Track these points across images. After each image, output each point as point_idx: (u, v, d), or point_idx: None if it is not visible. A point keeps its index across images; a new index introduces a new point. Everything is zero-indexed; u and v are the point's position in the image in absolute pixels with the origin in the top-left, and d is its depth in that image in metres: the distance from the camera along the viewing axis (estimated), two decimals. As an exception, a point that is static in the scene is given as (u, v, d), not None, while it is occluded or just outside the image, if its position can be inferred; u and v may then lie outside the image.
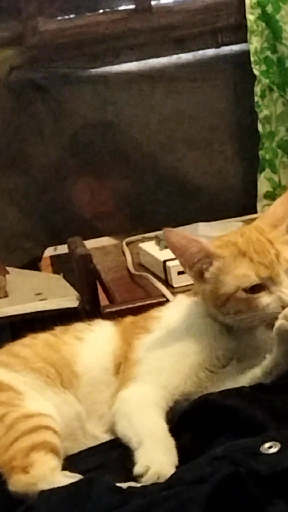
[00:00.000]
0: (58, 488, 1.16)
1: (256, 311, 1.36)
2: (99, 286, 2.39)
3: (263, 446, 1.09)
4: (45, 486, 1.18)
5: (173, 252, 1.43)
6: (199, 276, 1.42)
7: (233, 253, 1.40)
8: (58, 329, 1.55)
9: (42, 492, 1.15)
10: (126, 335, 1.49)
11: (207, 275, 1.41)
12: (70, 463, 1.30)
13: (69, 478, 1.21)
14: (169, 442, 1.27)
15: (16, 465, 1.22)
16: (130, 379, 1.41)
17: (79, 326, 1.55)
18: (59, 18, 2.87)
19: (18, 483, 1.21)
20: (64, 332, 1.54)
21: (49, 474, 1.21)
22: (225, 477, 1.00)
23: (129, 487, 1.14)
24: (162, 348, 1.42)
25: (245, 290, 1.37)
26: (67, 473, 1.24)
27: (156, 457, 1.23)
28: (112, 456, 1.30)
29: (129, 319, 1.56)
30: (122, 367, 1.45)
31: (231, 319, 1.40)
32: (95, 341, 1.50)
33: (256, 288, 1.37)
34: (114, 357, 1.46)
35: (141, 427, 1.31)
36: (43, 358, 1.46)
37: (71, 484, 1.15)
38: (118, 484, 1.15)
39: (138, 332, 1.48)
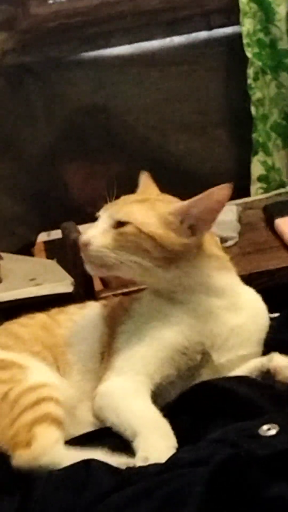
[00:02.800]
0: (56, 471, 1.15)
1: None
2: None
3: (262, 428, 1.09)
4: (47, 459, 1.19)
5: None
6: None
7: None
8: (53, 311, 1.54)
9: (40, 475, 1.15)
10: (111, 320, 1.48)
11: None
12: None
13: (71, 451, 1.21)
14: (164, 425, 1.26)
15: (19, 441, 1.22)
16: (108, 369, 1.39)
17: (71, 308, 1.54)
18: (51, 1, 2.84)
19: (20, 458, 1.21)
20: (58, 314, 1.52)
21: (51, 447, 1.21)
22: (224, 460, 0.99)
23: (127, 468, 1.14)
24: (137, 333, 1.40)
25: None
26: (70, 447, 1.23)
27: (153, 445, 1.22)
28: (106, 443, 1.29)
29: (117, 299, 1.55)
30: (105, 356, 1.44)
31: None
32: (84, 327, 1.49)
33: None
34: (100, 344, 1.45)
35: (131, 418, 1.28)
36: (41, 342, 1.45)
37: (69, 466, 1.15)
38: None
39: (121, 315, 1.46)
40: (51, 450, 1.21)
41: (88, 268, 1.41)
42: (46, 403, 1.27)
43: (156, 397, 1.34)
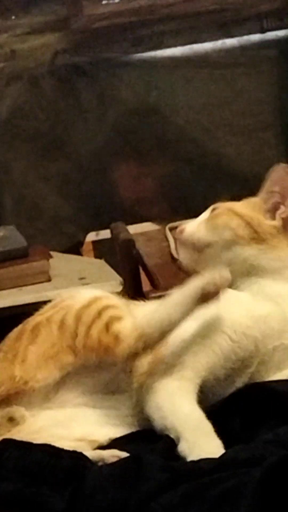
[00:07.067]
0: (107, 465, 1.15)
1: None
2: (141, 271, 2.38)
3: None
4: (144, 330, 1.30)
5: None
6: None
7: None
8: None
9: (91, 470, 1.14)
10: None
11: None
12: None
13: None
14: (208, 429, 1.25)
15: (107, 343, 1.31)
16: (159, 358, 1.38)
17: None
18: (103, 2, 2.86)
19: (121, 352, 1.30)
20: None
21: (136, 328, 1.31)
22: (277, 461, 0.99)
23: (179, 464, 1.13)
24: (191, 327, 1.40)
25: None
26: (116, 451, 1.23)
27: (199, 449, 1.20)
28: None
29: None
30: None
31: None
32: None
33: None
34: None
35: (174, 421, 1.27)
36: None
37: (119, 461, 1.15)
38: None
39: None
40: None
41: (180, 252, 1.52)
42: (106, 311, 1.35)
43: (202, 396, 1.33)
